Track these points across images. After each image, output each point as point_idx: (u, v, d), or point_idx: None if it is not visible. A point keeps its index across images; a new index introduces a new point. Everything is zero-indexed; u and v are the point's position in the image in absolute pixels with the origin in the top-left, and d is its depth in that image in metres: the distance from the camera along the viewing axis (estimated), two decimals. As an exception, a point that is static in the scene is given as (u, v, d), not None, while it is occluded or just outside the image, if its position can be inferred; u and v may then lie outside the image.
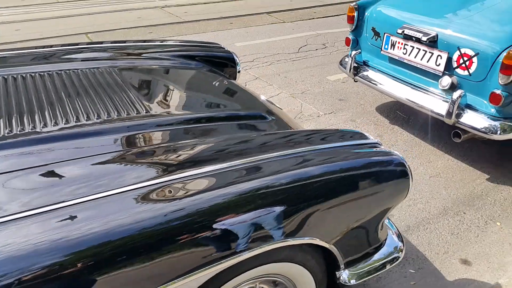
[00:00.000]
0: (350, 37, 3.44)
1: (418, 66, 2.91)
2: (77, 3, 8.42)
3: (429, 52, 2.82)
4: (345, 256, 1.46)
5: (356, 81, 3.43)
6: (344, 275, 1.49)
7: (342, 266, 1.48)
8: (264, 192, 1.22)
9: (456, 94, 2.63)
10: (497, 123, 2.53)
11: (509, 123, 2.52)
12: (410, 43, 2.91)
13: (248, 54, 5.23)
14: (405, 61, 2.99)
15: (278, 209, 1.22)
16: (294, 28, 6.43)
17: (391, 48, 3.09)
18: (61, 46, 2.30)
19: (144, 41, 2.57)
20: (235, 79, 2.56)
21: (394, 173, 1.51)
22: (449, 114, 2.64)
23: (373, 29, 3.23)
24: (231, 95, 2.06)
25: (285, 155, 1.37)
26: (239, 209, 1.17)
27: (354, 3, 3.33)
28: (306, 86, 4.30)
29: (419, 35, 2.81)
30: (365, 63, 3.36)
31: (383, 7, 3.22)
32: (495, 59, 2.45)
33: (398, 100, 3.07)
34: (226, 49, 2.61)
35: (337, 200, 1.36)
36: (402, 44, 2.98)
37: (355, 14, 3.31)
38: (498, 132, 2.51)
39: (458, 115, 2.65)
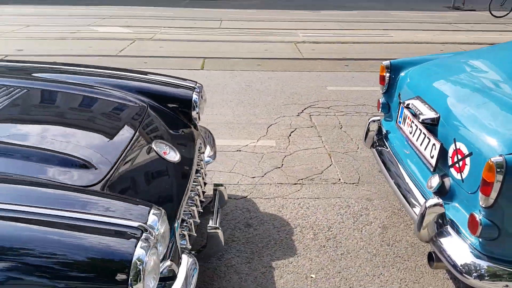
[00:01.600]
0: (381, 100, 2.84)
1: (417, 152, 2.20)
2: (214, 30, 9.26)
3: (427, 137, 2.10)
4: None
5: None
6: None
7: None
8: None
9: (433, 202, 1.88)
10: (476, 261, 1.70)
11: (493, 266, 1.67)
12: (415, 120, 2.23)
13: (330, 100, 4.83)
14: (409, 142, 2.30)
15: None
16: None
17: (403, 122, 2.42)
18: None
19: (117, 69, 2.65)
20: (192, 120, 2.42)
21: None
22: (421, 226, 1.91)
23: (399, 96, 2.60)
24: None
25: None
26: None
27: (387, 62, 2.73)
28: (356, 146, 3.71)
29: (419, 112, 2.13)
30: (385, 134, 2.71)
31: (413, 71, 2.55)
32: (482, 169, 1.66)
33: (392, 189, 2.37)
34: (193, 91, 2.48)
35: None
36: (410, 120, 2.31)
37: (387, 74, 2.72)
38: (473, 275, 1.68)
39: (437, 234, 1.88)
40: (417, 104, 2.20)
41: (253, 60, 6.57)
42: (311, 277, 2.25)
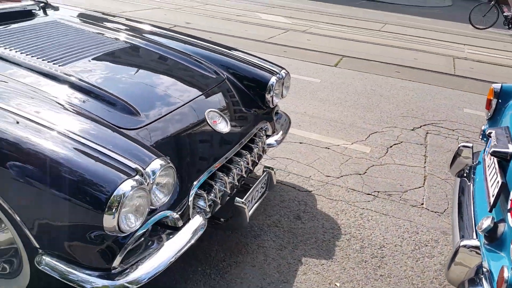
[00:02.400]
0: (483, 127, 2.45)
1: (485, 187, 1.87)
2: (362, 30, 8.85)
3: (496, 173, 1.77)
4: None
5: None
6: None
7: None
8: None
9: (469, 243, 1.60)
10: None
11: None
12: (493, 157, 1.89)
13: (459, 122, 4.32)
14: (484, 175, 1.97)
15: None
16: None
17: (487, 153, 2.07)
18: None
19: (212, 43, 2.85)
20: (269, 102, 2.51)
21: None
22: (451, 264, 1.65)
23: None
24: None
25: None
26: None
27: (497, 85, 2.34)
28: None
29: (495, 143, 1.80)
30: (474, 165, 2.35)
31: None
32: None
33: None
34: (274, 76, 2.56)
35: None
36: (490, 157, 1.96)
37: (494, 99, 2.33)
38: None
39: (469, 281, 1.61)
40: (499, 134, 1.86)
41: (393, 66, 6.21)
42: (336, 285, 2.15)
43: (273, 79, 2.55)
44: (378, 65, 6.22)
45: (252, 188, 2.17)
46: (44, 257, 1.53)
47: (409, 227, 2.62)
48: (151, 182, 1.51)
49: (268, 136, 2.58)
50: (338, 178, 3.07)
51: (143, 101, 1.95)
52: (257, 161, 2.35)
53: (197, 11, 9.31)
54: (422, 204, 2.87)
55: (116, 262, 1.53)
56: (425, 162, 3.45)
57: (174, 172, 1.64)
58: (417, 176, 3.21)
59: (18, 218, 1.51)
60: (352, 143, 3.62)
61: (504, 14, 10.47)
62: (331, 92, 4.84)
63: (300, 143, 3.53)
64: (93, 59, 2.20)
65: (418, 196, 2.95)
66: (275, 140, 2.60)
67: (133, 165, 1.49)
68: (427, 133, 4.00)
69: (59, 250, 1.52)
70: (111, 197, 1.38)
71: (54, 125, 1.57)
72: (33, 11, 2.78)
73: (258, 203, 2.28)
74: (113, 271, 1.53)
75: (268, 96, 2.53)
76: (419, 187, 3.07)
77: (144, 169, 1.50)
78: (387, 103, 4.68)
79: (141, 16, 7.89)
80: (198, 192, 1.88)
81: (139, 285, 1.54)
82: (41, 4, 2.91)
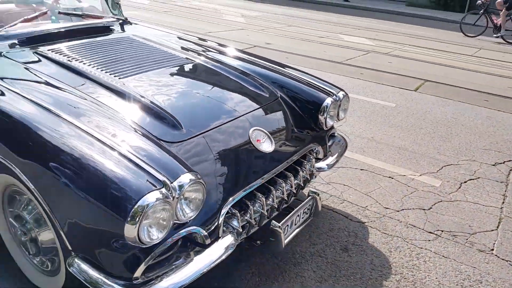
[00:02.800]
0: None
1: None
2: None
3: None
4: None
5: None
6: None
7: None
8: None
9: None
10: None
11: None
12: None
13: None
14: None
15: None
16: None
17: None
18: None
19: (268, 60, 2.84)
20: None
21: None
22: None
23: None
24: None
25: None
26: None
27: None
28: (547, 223, 2.82)
29: None
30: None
31: None
32: None
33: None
34: (329, 97, 2.47)
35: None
36: None
37: None
38: None
39: None
40: None
41: (482, 94, 5.67)
42: (375, 329, 1.96)
43: (328, 100, 2.46)
44: (465, 92, 5.74)
45: (292, 213, 2.09)
46: (75, 259, 1.60)
47: (471, 274, 2.32)
48: (177, 196, 1.51)
49: (318, 160, 2.48)
50: (398, 211, 2.83)
51: (189, 116, 1.98)
52: (302, 185, 2.26)
53: (280, 32, 9.45)
54: (492, 250, 2.53)
55: (138, 273, 1.54)
56: (503, 202, 3.05)
57: (203, 188, 1.62)
58: (490, 218, 2.85)
59: (55, 219, 1.60)
60: (420, 175, 3.34)
61: None
62: (406, 118, 4.55)
63: (361, 169, 3.35)
64: (151, 73, 2.30)
65: (488, 240, 2.61)
66: (327, 164, 2.48)
67: (161, 178, 1.50)
68: (510, 170, 3.56)
69: (88, 254, 1.58)
70: (135, 207, 1.40)
71: (97, 132, 1.65)
72: (111, 27, 3.00)
73: (300, 228, 2.18)
74: (135, 282, 1.55)
75: (321, 118, 2.44)
76: (491, 230, 2.72)
77: (172, 183, 1.51)
78: (468, 134, 4.27)
79: (224, 36, 8.21)
80: (232, 211, 1.84)
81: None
82: (120, 21, 3.15)
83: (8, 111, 1.76)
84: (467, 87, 5.97)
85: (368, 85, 5.68)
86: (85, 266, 1.57)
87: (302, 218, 2.21)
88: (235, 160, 1.96)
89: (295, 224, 2.15)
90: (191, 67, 2.58)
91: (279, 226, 1.96)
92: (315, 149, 2.44)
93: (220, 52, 2.87)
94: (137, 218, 1.40)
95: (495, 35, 10.53)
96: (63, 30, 2.70)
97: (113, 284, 1.52)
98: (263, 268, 2.23)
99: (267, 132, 2.14)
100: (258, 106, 2.28)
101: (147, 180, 1.48)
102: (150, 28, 3.40)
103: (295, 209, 2.13)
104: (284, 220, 2.03)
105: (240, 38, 8.23)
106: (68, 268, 1.60)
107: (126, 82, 2.12)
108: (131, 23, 3.25)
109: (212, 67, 2.57)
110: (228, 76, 2.50)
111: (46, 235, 1.80)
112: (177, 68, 2.50)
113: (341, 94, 2.58)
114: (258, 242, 2.06)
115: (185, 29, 8.49)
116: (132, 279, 1.54)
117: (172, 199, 1.49)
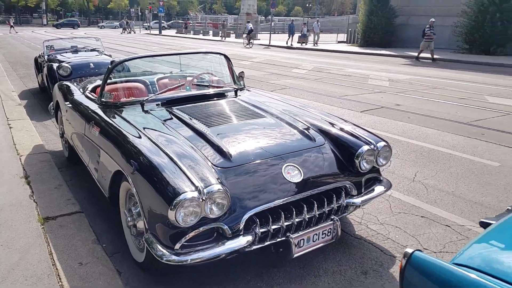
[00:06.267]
0: None
1: None
2: None
3: None
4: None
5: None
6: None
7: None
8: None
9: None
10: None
11: None
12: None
13: None
14: None
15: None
16: None
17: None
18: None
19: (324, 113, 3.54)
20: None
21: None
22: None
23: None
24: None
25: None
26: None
27: None
28: None
29: None
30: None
31: None
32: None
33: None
34: (366, 145, 3.06)
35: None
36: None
37: None
38: None
39: None
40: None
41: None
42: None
43: (364, 148, 3.03)
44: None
45: (309, 230, 2.70)
46: (149, 235, 2.58)
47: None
48: (204, 198, 2.38)
49: (352, 196, 3.01)
50: (435, 252, 3.08)
51: (240, 149, 2.86)
52: (326, 212, 2.82)
53: (419, 94, 9.64)
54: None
55: (177, 246, 2.43)
56: None
57: (228, 196, 2.45)
58: None
59: (142, 209, 2.65)
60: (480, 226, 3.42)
61: None
62: (504, 178, 4.47)
63: (422, 217, 3.62)
64: (232, 123, 3.31)
65: None
66: (362, 200, 3.00)
67: (197, 184, 2.41)
68: None
69: (154, 231, 2.54)
70: (175, 200, 2.33)
71: (171, 152, 2.70)
72: (225, 93, 4.16)
73: (317, 246, 2.75)
74: (177, 251, 2.44)
75: (356, 162, 3.01)
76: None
77: (204, 189, 2.40)
78: None
79: (360, 99, 8.89)
80: (255, 219, 2.60)
81: (190, 264, 2.40)
82: (236, 89, 4.28)
83: (134, 146, 2.95)
84: None
85: (479, 144, 5.61)
86: (152, 239, 2.54)
87: (322, 237, 2.79)
88: (264, 184, 2.71)
89: (314, 241, 2.76)
90: (262, 120, 3.45)
91: (291, 236, 2.63)
92: (348, 186, 3.00)
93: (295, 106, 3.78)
94: (176, 207, 2.32)
95: None
96: (190, 96, 3.96)
97: (163, 250, 2.44)
98: (288, 274, 2.85)
99: (299, 168, 2.86)
100: (299, 149, 3.02)
101: (188, 184, 2.42)
102: (259, 94, 4.44)
103: (312, 228, 2.74)
104: (298, 234, 2.68)
105: (372, 99, 8.79)
106: (145, 242, 2.60)
107: (210, 128, 3.15)
108: (248, 90, 4.36)
109: (277, 119, 3.44)
110: (283, 125, 3.33)
111: (141, 224, 2.87)
112: (250, 119, 3.42)
113: (380, 144, 3.11)
114: (273, 248, 2.69)
115: (324, 93, 9.56)
116: (174, 249, 2.44)
117: (201, 200, 2.38)
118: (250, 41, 27.77)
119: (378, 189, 3.14)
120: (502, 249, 1.76)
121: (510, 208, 2.37)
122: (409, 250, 1.65)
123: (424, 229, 3.42)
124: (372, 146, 3.06)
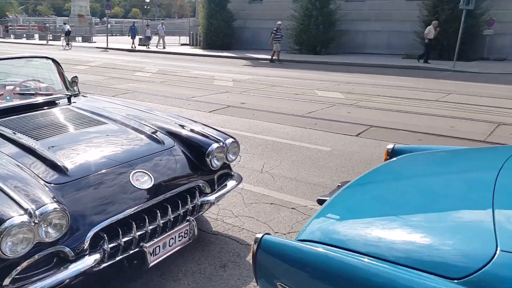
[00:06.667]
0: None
1: None
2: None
3: None
4: None
5: None
6: None
7: None
8: None
9: None
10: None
11: None
12: None
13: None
14: None
15: None
16: None
17: None
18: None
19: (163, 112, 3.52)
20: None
21: None
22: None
23: None
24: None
25: None
26: None
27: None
28: None
29: None
30: None
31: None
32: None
33: None
34: (215, 143, 3.09)
35: None
36: None
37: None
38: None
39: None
40: None
41: (417, 134, 6.17)
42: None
43: (213, 145, 3.06)
44: (403, 134, 6.25)
45: (164, 235, 2.62)
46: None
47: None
48: (37, 221, 2.09)
49: (206, 194, 3.03)
50: (284, 234, 3.32)
51: (76, 159, 2.62)
52: (181, 214, 2.77)
53: (261, 92, 10.31)
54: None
55: (7, 281, 2.06)
56: None
57: (67, 215, 2.20)
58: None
59: None
60: (318, 204, 3.83)
61: None
62: (334, 159, 5.09)
63: (271, 204, 3.87)
64: (65, 134, 2.99)
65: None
66: (216, 197, 3.03)
67: (26, 206, 2.11)
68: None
69: None
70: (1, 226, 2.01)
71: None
72: (56, 101, 3.77)
73: (175, 250, 2.70)
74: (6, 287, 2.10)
75: (207, 160, 3.03)
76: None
77: (35, 210, 2.11)
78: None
79: (207, 100, 9.06)
80: (102, 235, 2.40)
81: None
82: (69, 95, 3.90)
83: None
84: (411, 130, 6.49)
85: (313, 133, 6.31)
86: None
87: (179, 240, 2.74)
88: (111, 195, 2.52)
89: (170, 245, 2.69)
90: (104, 127, 3.21)
91: (145, 246, 2.51)
92: (202, 185, 3.01)
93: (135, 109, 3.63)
94: (1, 236, 1.97)
95: None
96: (11, 107, 3.46)
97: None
98: (146, 286, 2.73)
99: (147, 172, 2.74)
100: (147, 154, 2.90)
101: (16, 208, 2.09)
102: (98, 100, 4.15)
103: (168, 233, 2.67)
104: (154, 241, 2.58)
105: (220, 100, 9.07)
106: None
107: (40, 141, 2.80)
108: (84, 96, 4.01)
109: (121, 125, 3.25)
110: (128, 130, 3.16)
111: None
112: (89, 128, 3.16)
113: (228, 141, 3.19)
114: (125, 261, 2.52)
115: (171, 95, 9.47)
116: (3, 286, 2.07)
117: (33, 224, 2.08)
118: (69, 43, 28.20)
119: (231, 184, 3.23)
120: (337, 220, 1.97)
121: (340, 184, 2.69)
122: (259, 235, 1.73)
123: (274, 214, 3.66)
124: (221, 144, 3.13)
